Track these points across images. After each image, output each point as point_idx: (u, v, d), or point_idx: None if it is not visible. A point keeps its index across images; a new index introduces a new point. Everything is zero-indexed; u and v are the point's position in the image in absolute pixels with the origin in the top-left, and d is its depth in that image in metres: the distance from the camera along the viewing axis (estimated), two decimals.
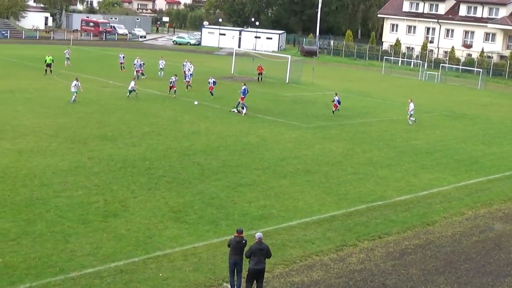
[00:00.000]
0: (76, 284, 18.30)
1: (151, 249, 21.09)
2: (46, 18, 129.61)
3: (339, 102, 49.09)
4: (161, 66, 66.45)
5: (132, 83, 50.79)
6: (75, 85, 46.85)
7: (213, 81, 54.13)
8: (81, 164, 30.47)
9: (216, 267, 19.89)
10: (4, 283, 18.00)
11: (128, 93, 50.08)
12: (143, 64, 62.76)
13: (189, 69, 59.91)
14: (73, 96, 46.64)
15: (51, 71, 60.73)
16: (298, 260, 21.07)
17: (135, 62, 62.17)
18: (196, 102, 47.10)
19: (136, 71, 61.82)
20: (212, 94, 52.97)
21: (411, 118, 47.79)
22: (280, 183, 29.68)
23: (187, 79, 57.68)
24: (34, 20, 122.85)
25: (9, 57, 72.99)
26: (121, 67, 67.66)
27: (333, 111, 49.05)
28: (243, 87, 48.43)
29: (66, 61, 69.07)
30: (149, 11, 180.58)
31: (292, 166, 32.88)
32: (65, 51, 70.42)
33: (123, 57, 68.29)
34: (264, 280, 18.36)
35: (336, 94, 49.80)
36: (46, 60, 61.06)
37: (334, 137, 40.92)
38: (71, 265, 19.46)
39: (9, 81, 55.71)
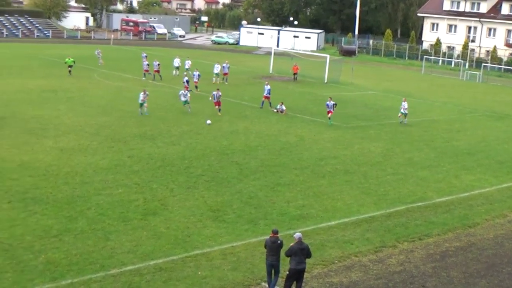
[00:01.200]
0: (116, 281, 18.48)
1: (190, 247, 21.19)
2: (87, 18, 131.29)
3: (334, 106, 43.70)
4: (176, 65, 65.84)
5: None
6: (144, 96, 42.84)
7: (198, 75, 54.94)
8: (121, 163, 30.78)
9: (255, 266, 19.90)
10: (46, 279, 18.27)
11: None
12: (159, 64, 61.58)
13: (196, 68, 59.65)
14: (144, 109, 42.87)
15: (70, 71, 60.14)
16: (336, 260, 20.97)
17: (154, 63, 61.40)
18: (208, 121, 40.73)
19: (155, 71, 61.03)
20: (196, 88, 53.46)
21: (401, 117, 46.11)
22: (319, 183, 29.58)
23: (194, 80, 55.50)
24: (75, 20, 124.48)
25: (51, 57, 74.07)
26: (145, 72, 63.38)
27: (329, 118, 43.85)
28: (268, 87, 48.53)
29: (99, 60, 69.43)
30: (188, 10, 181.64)
31: (331, 166, 32.74)
32: (96, 51, 70.89)
33: (146, 56, 65.74)
34: (303, 280, 18.31)
35: (331, 99, 44.32)
36: (66, 62, 60.82)
37: (373, 137, 40.63)
38: (111, 262, 19.67)
39: (51, 80, 56.53)
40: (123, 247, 20.86)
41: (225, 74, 61.83)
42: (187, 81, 52.51)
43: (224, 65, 62.23)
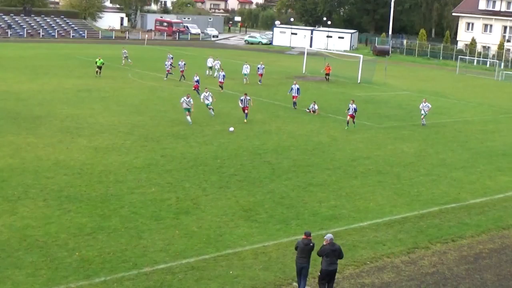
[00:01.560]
0: (148, 279, 18.65)
1: (222, 247, 21.29)
2: (122, 19, 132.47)
3: (355, 111, 41.48)
4: (209, 65, 65.79)
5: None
6: (187, 101, 39.99)
7: (223, 75, 54.64)
8: (154, 162, 31.02)
9: (286, 266, 19.92)
10: (80, 276, 18.52)
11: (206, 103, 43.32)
12: (185, 64, 60.72)
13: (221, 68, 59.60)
14: (187, 116, 39.95)
15: (99, 72, 59.34)
16: (368, 261, 20.89)
17: (179, 63, 60.81)
18: (231, 129, 38.72)
19: (167, 70, 60.65)
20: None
21: (423, 119, 45.04)
22: (351, 184, 29.48)
23: (220, 80, 54.86)
24: (110, 20, 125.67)
25: (86, 57, 74.89)
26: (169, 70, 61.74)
27: (347, 122, 41.84)
28: (296, 86, 48.14)
29: (127, 60, 69.40)
30: (221, 10, 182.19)
31: (364, 167, 32.60)
32: (122, 51, 71.24)
33: (172, 57, 65.06)
34: (334, 281, 18.28)
35: (353, 102, 42.10)
36: (96, 63, 59.95)
37: (407, 138, 40.35)
38: (144, 260, 19.85)
39: (86, 80, 57.19)
40: (156, 245, 21.04)
41: (260, 75, 61.68)
42: (197, 81, 51.52)
43: (259, 66, 62.11)
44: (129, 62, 68.84)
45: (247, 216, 24.29)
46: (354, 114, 41.32)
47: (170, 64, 61.15)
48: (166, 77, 60.20)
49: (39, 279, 18.23)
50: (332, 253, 17.78)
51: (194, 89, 50.36)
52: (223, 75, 55.06)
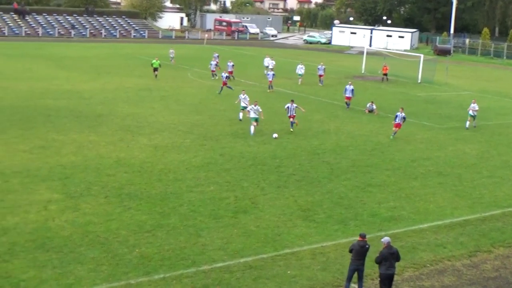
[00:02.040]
0: (206, 277, 18.78)
1: (280, 246, 21.28)
2: (182, 18, 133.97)
3: (404, 119, 38.55)
4: (266, 64, 65.30)
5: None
6: (255, 109, 37.47)
7: (273, 74, 54.46)
8: (213, 161, 31.23)
9: (344, 267, 19.73)
10: (140, 273, 18.78)
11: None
12: (233, 65, 59.93)
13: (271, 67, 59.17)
14: (252, 126, 37.32)
15: (156, 75, 57.51)
16: (428, 264, 20.57)
17: (228, 63, 59.85)
18: (275, 135, 36.66)
19: (212, 71, 60.27)
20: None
21: (470, 121, 42.40)
22: (411, 185, 29.09)
23: (269, 79, 54.46)
24: (170, 20, 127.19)
25: (147, 56, 75.93)
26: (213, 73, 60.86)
27: (394, 133, 38.41)
28: (351, 87, 47.62)
29: (171, 60, 69.77)
30: (280, 10, 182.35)
31: (424, 168, 32.12)
32: (170, 51, 71.48)
33: (218, 56, 64.39)
34: (393, 284, 18.06)
35: (402, 110, 38.95)
36: (152, 64, 58.21)
37: (468, 139, 39.56)
38: (203, 258, 20.00)
39: (147, 79, 57.97)
40: (214, 244, 21.18)
41: (320, 76, 60.71)
42: (227, 77, 52.21)
43: (319, 66, 61.29)
44: (171, 63, 68.91)
45: (305, 216, 24.22)
46: (401, 123, 38.33)
47: (216, 64, 60.75)
48: (213, 76, 60.13)
49: (100, 274, 18.57)
50: (390, 256, 17.55)
51: (223, 86, 51.21)
52: (273, 74, 55.13)
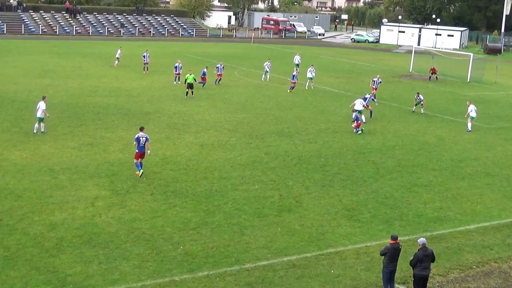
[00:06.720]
0: (250, 275, 18.86)
1: (324, 245, 21.25)
2: (229, 17, 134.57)
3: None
4: (296, 62, 64.40)
5: None
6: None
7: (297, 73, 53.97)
8: (258, 159, 31.31)
9: None
10: (184, 270, 18.97)
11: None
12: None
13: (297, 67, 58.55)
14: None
15: (192, 92, 47.32)
16: (474, 265, 20.28)
17: (265, 63, 59.03)
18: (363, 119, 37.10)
19: (218, 74, 56.01)
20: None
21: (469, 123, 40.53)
22: (458, 185, 28.69)
23: (293, 80, 52.31)
24: (218, 19, 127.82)
25: (195, 55, 76.54)
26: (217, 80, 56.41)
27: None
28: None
29: (116, 61, 66.12)
30: (328, 9, 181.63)
31: (471, 168, 31.65)
32: (117, 51, 66.67)
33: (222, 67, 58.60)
34: (438, 285, 17.87)
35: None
36: (187, 79, 47.51)
37: None
38: (246, 256, 20.09)
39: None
40: (258, 242, 21.25)
41: (374, 89, 52.13)
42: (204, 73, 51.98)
43: (375, 79, 52.07)
44: (114, 65, 64.42)
45: (349, 216, 24.12)
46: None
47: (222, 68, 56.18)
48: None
49: (145, 270, 18.82)
50: (426, 258, 17.34)
51: (200, 82, 51.23)
52: (294, 75, 52.87)
